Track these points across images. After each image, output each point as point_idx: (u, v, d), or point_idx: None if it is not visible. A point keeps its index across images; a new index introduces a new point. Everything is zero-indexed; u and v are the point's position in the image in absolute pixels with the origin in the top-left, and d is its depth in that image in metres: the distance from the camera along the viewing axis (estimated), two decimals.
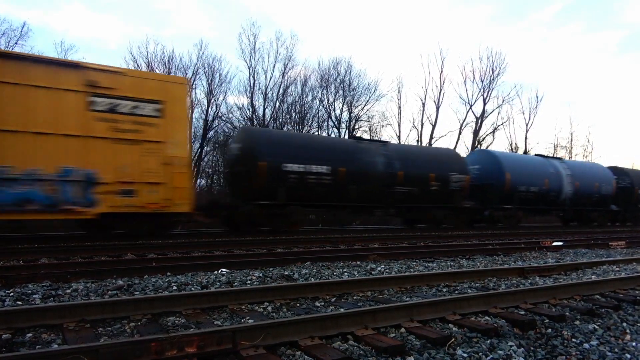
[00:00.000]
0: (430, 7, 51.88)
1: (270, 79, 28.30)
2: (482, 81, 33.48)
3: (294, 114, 28.78)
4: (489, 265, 7.56)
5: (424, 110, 34.14)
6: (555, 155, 23.01)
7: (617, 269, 7.17)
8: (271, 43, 29.27)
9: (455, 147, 32.69)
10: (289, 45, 29.23)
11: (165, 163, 11.04)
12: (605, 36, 58.45)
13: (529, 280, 5.93)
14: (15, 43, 22.62)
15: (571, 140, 37.74)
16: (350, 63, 40.06)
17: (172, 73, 25.19)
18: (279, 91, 28.04)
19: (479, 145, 33.87)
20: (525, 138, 35.72)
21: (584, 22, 57.55)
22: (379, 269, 6.73)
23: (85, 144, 10.22)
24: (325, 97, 30.09)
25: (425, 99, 36.22)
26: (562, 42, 55.00)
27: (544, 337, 3.41)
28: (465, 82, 35.35)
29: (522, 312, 4.08)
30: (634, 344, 3.38)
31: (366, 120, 31.70)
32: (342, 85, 30.25)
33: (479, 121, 33.88)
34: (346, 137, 27.01)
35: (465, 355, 2.97)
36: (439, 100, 32.99)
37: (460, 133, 34.05)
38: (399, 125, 34.05)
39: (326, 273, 6.24)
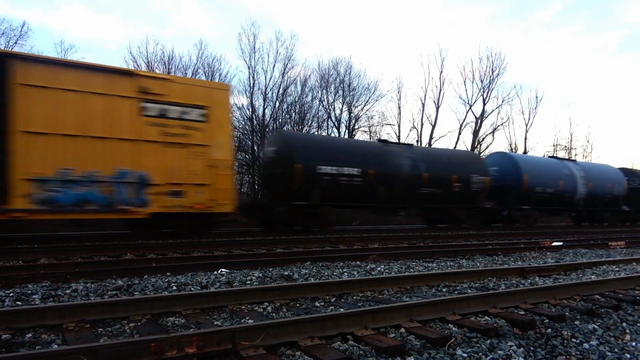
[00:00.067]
0: (430, 7, 51.94)
1: (270, 79, 28.29)
2: (481, 81, 33.49)
3: (293, 114, 28.79)
4: (489, 265, 7.56)
5: (423, 110, 34.18)
6: (569, 158, 23.48)
7: (617, 269, 7.18)
8: (271, 43, 29.21)
9: (455, 147, 32.71)
10: (288, 45, 29.22)
11: (210, 165, 11.62)
12: (605, 36, 58.55)
13: (529, 281, 5.94)
14: (15, 43, 22.62)
15: (571, 141, 37.76)
16: (350, 63, 40.08)
17: (171, 73, 25.21)
18: (278, 91, 28.03)
19: (478, 146, 33.90)
20: (525, 138, 35.75)
21: (583, 23, 57.64)
22: (378, 269, 6.74)
23: (138, 148, 10.83)
24: (325, 97, 30.10)
25: (425, 99, 36.23)
26: (562, 43, 55.09)
27: (544, 337, 3.41)
28: (465, 82, 35.40)
29: (522, 312, 4.08)
30: (633, 344, 3.38)
31: (366, 121, 31.74)
32: (341, 85, 30.26)
33: (479, 121, 33.89)
34: (345, 136, 27.01)
35: (465, 355, 2.97)
36: (438, 100, 33.01)
37: (460, 133, 34.07)
38: (399, 126, 34.04)
39: (326, 273, 6.24)
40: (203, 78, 26.54)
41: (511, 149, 34.84)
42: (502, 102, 34.42)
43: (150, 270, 6.11)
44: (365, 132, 31.36)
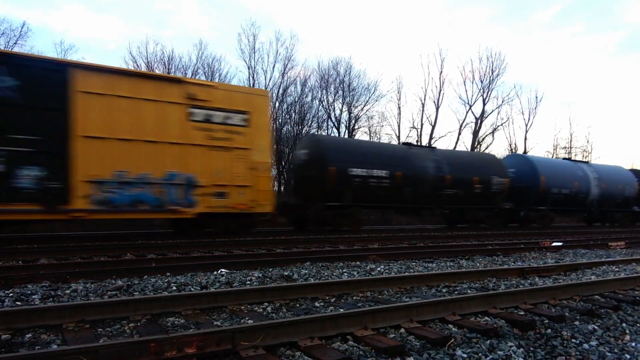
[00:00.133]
0: (430, 7, 51.96)
1: (270, 79, 28.35)
2: (481, 81, 33.54)
3: (293, 114, 28.82)
4: (489, 265, 7.56)
5: (423, 110, 34.24)
6: (582, 159, 23.87)
7: (617, 269, 7.18)
8: (271, 43, 29.35)
9: (455, 147, 32.73)
10: (288, 46, 29.30)
11: (251, 168, 12.26)
12: (604, 37, 58.55)
13: (529, 281, 5.94)
14: (15, 43, 22.65)
15: (570, 141, 37.79)
16: (350, 63, 40.09)
17: (171, 73, 25.25)
18: (278, 91, 28.09)
19: (478, 146, 33.91)
20: (525, 138, 35.78)
21: (583, 23, 57.64)
22: (378, 269, 6.73)
23: (186, 151, 11.43)
24: (324, 97, 30.14)
25: (424, 99, 36.33)
26: (562, 43, 55.10)
27: (544, 338, 3.41)
28: (464, 82, 35.48)
29: (522, 313, 4.08)
30: (633, 344, 3.38)
31: (366, 121, 31.75)
32: (341, 85, 30.30)
33: (479, 121, 33.91)
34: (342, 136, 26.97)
35: (464, 355, 2.97)
36: (438, 100, 33.03)
37: (459, 133, 34.10)
38: (399, 126, 34.12)
39: (326, 273, 6.24)
40: (203, 78, 26.60)
41: (511, 150, 34.88)
42: (502, 102, 34.49)
43: (150, 271, 6.10)
44: (365, 132, 31.39)
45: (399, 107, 33.37)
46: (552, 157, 34.03)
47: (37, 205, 9.72)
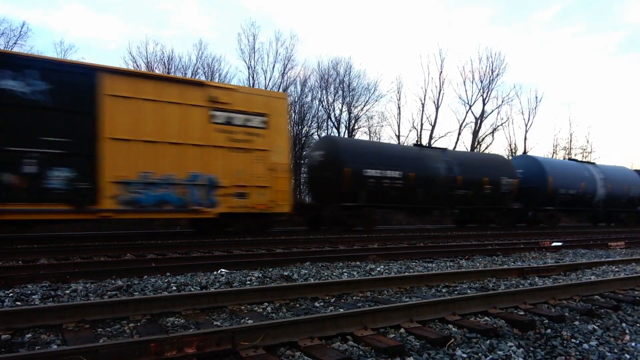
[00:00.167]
0: (430, 7, 51.95)
1: (270, 79, 28.37)
2: (481, 82, 33.57)
3: (293, 114, 28.80)
4: (489, 265, 7.56)
5: (423, 110, 34.28)
6: (588, 160, 24.19)
7: (616, 269, 7.18)
8: (271, 43, 29.43)
9: (455, 147, 32.73)
10: (288, 46, 29.34)
11: (270, 169, 12.59)
12: (604, 37, 58.55)
13: (529, 281, 5.94)
14: (15, 43, 22.65)
15: (570, 141, 37.81)
16: (350, 63, 40.22)
17: (171, 73, 25.25)
18: (278, 91, 28.04)
19: (478, 146, 33.91)
20: (525, 138, 35.79)
21: (583, 23, 57.65)
22: (378, 269, 6.74)
23: (208, 153, 11.74)
24: (324, 97, 30.17)
25: (424, 99, 36.42)
26: (562, 43, 55.10)
27: (544, 338, 3.42)
28: (464, 82, 35.53)
29: (522, 313, 4.08)
30: (633, 344, 3.38)
31: (365, 121, 31.76)
32: (341, 85, 30.33)
33: (479, 122, 33.93)
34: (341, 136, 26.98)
35: (464, 355, 2.97)
36: (438, 100, 33.06)
37: (459, 133, 34.11)
38: (399, 126, 34.23)
39: (325, 273, 6.24)
40: (202, 78, 26.61)
41: (511, 150, 34.89)
42: (502, 102, 34.53)
43: (150, 271, 6.10)
44: (365, 132, 31.40)
45: (399, 107, 33.47)
46: (552, 157, 34.04)
47: (67, 205, 10.02)
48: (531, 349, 3.18)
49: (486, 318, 3.87)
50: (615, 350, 3.22)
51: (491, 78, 33.39)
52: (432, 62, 58.17)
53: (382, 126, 40.81)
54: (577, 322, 3.86)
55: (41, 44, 40.06)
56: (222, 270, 6.41)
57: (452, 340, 3.22)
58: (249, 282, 5.49)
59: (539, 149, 49.31)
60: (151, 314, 3.80)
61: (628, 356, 3.13)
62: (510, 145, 35.57)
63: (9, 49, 20.48)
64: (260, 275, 5.92)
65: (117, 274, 5.84)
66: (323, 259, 7.55)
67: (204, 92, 11.82)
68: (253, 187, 12.28)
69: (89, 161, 10.28)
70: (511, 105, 43.40)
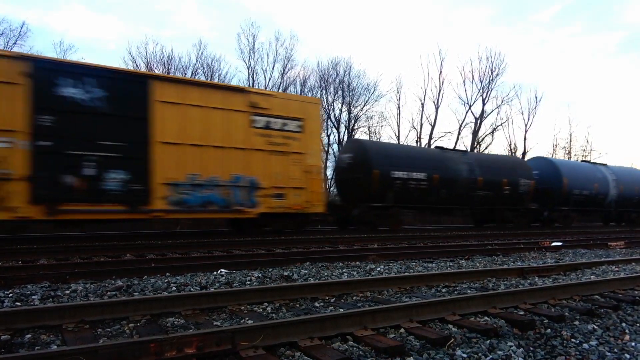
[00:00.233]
0: (430, 7, 51.96)
1: (270, 79, 28.39)
2: (481, 82, 33.58)
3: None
4: (488, 265, 7.56)
5: (423, 110, 34.28)
6: (600, 162, 24.42)
7: (616, 269, 7.18)
8: (270, 43, 29.44)
9: (455, 147, 32.71)
10: (288, 46, 29.36)
11: (305, 171, 13.20)
12: (604, 37, 58.56)
13: (528, 281, 5.94)
14: (14, 43, 22.64)
15: (570, 141, 37.82)
16: (350, 63, 40.28)
17: (171, 73, 25.26)
18: (278, 91, 28.03)
19: (478, 146, 33.91)
20: (525, 138, 35.79)
21: (583, 23, 57.66)
22: (378, 269, 6.74)
23: (249, 155, 12.35)
24: (324, 97, 30.14)
25: (424, 99, 36.43)
26: (562, 43, 55.10)
27: (544, 338, 3.42)
28: (464, 82, 35.51)
29: (522, 313, 4.08)
30: (633, 344, 3.38)
31: (365, 121, 31.76)
32: (341, 85, 30.34)
33: (478, 122, 33.94)
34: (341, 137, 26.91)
35: (464, 355, 2.97)
36: (438, 100, 33.08)
37: (459, 133, 34.11)
38: (398, 126, 34.27)
39: (325, 273, 6.24)
40: (202, 78, 26.64)
41: (511, 150, 34.89)
42: (502, 102, 34.52)
43: (149, 271, 6.10)
44: (365, 132, 31.41)
45: (399, 107, 33.56)
46: (552, 157, 34.01)
47: (122, 205, 10.60)
48: (531, 348, 3.18)
49: (486, 318, 3.87)
50: (615, 350, 3.22)
51: (491, 78, 33.44)
52: (432, 62, 58.28)
53: (381, 126, 40.74)
54: (577, 322, 3.86)
55: (41, 44, 40.15)
56: (222, 270, 6.41)
57: (452, 340, 3.21)
58: (248, 282, 5.49)
59: (539, 149, 49.34)
60: (151, 314, 3.80)
61: (628, 356, 3.13)
62: (510, 145, 35.59)
63: (9, 49, 20.47)
64: (260, 275, 5.92)
65: (116, 274, 5.84)
66: (323, 259, 7.55)
67: (245, 97, 12.39)
68: (290, 189, 12.83)
69: (142, 164, 10.84)
70: (511, 105, 43.42)
